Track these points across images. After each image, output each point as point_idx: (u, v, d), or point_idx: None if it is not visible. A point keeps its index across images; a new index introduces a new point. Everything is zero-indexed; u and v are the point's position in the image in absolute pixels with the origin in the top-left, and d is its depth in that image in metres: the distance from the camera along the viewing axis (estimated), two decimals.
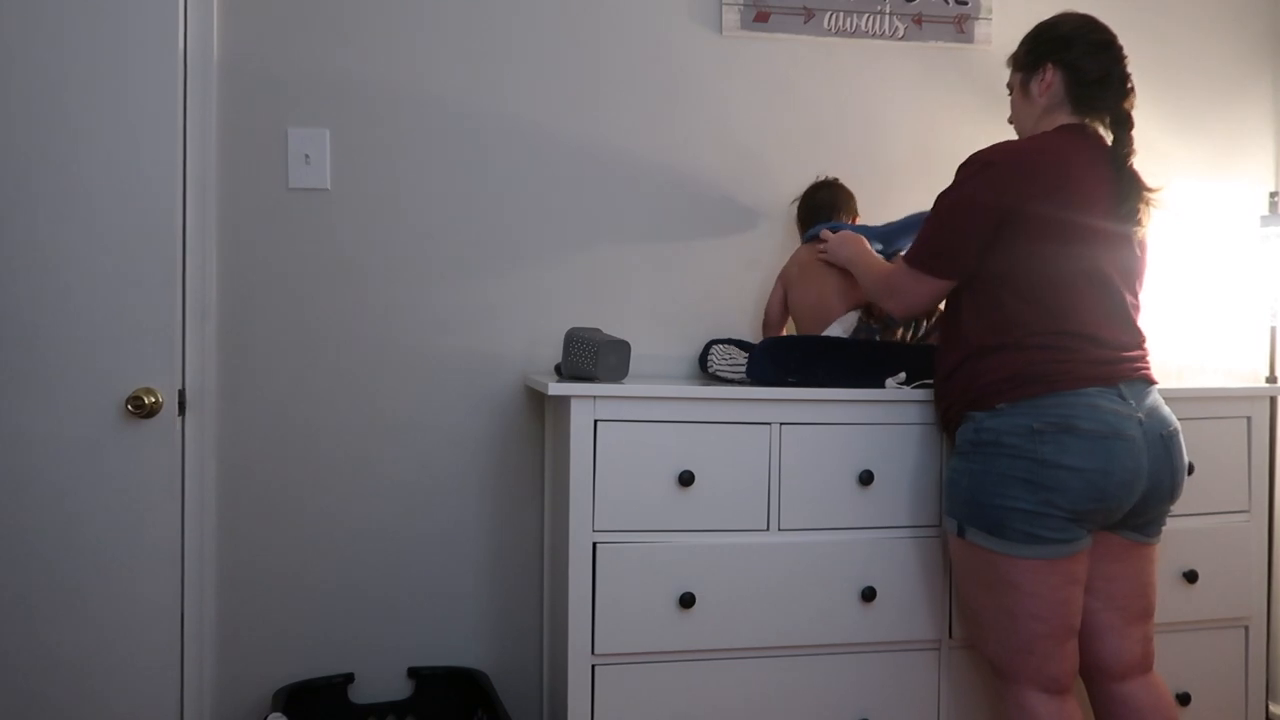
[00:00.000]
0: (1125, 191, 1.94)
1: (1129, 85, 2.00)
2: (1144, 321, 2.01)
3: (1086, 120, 2.00)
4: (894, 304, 2.10)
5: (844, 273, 2.27)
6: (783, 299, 2.42)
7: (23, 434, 2.21)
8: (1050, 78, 2.00)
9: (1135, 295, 2.00)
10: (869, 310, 2.28)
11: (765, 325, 2.47)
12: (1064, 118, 2.01)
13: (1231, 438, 2.35)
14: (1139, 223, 1.95)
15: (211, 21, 2.31)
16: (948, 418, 2.05)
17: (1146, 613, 2.02)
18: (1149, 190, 1.97)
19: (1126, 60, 2.00)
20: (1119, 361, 1.93)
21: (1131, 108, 1.99)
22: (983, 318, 1.96)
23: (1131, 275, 1.99)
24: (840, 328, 2.27)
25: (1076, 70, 1.99)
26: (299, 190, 2.38)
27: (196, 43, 2.29)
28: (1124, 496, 1.88)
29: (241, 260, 2.35)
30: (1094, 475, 1.85)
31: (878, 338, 2.28)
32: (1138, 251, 1.99)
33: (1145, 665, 2.01)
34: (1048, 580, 1.89)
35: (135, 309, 2.24)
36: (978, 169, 1.95)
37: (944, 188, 1.98)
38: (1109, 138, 2.00)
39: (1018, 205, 1.90)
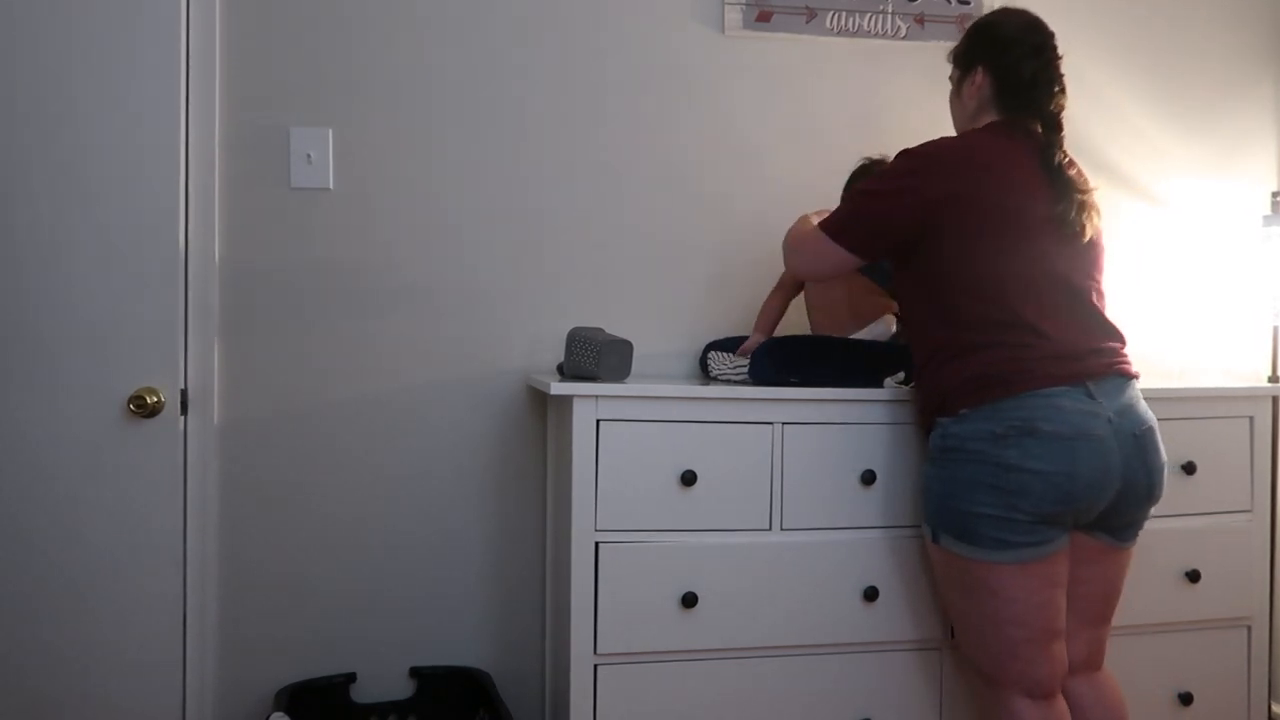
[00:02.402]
0: (1060, 191, 1.93)
1: (1058, 88, 2.00)
2: (1119, 316, 2.00)
3: (1017, 119, 2.00)
4: (795, 260, 2.13)
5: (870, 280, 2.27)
6: (788, 297, 2.40)
7: (25, 434, 2.21)
8: (980, 80, 2.03)
9: (1099, 289, 1.98)
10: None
11: (779, 287, 2.39)
12: (992, 117, 2.03)
13: (1233, 437, 2.34)
14: (1081, 223, 1.93)
15: (214, 20, 2.31)
16: (920, 423, 2.06)
17: (1104, 618, 2.01)
18: (1084, 190, 1.95)
19: (1060, 62, 2.01)
20: (1085, 357, 1.90)
21: (1061, 109, 2.00)
22: (939, 321, 1.95)
23: (1091, 270, 1.97)
24: (871, 334, 2.26)
25: (1006, 73, 2.00)
26: (301, 190, 2.38)
27: (198, 42, 2.29)
28: (1094, 497, 1.86)
29: (244, 260, 2.35)
30: (1058, 478, 1.82)
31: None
32: (1092, 248, 1.97)
33: (1092, 664, 2.00)
34: (1025, 584, 1.87)
35: (137, 308, 2.24)
36: (908, 161, 1.98)
37: None
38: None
39: (946, 198, 1.90)
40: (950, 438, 1.92)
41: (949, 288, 1.93)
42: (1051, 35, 2.01)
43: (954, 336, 1.93)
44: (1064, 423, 1.83)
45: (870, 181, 2.08)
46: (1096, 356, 1.91)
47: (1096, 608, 1.98)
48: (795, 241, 2.15)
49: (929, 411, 1.99)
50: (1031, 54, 1.99)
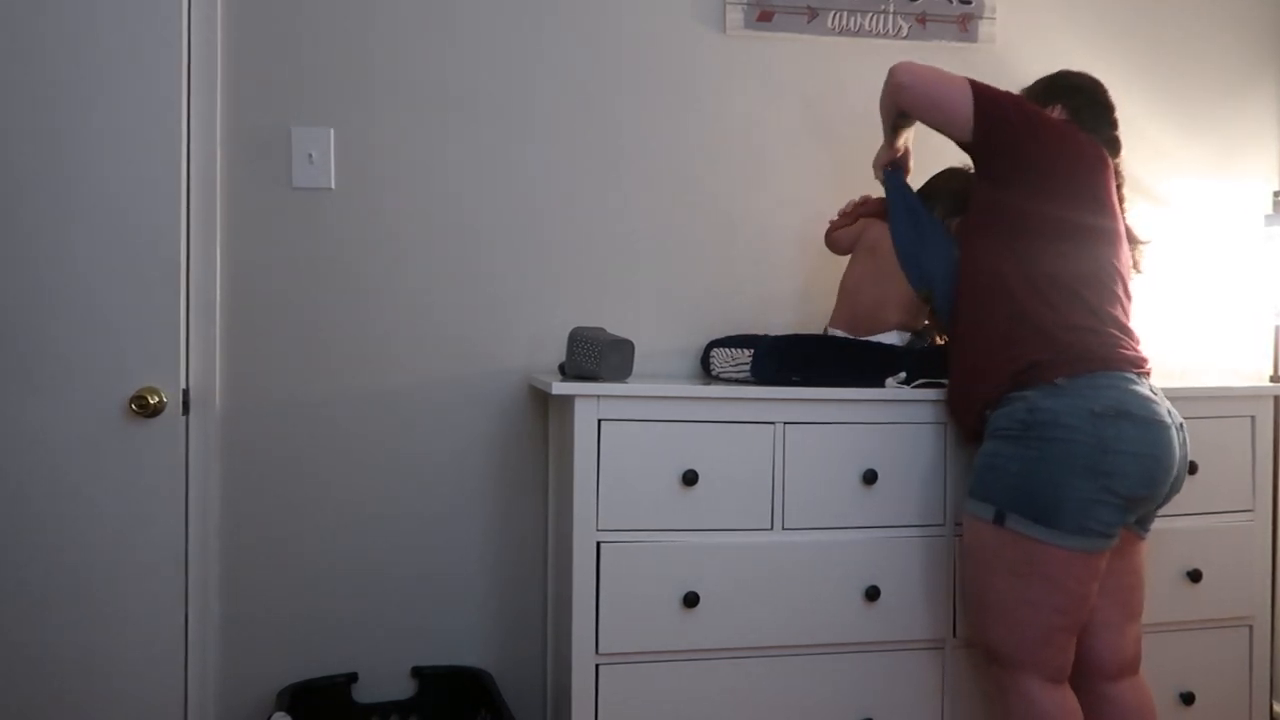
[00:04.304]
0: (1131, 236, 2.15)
1: (1119, 145, 2.17)
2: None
3: None
4: (915, 74, 2.07)
5: (902, 286, 2.25)
6: (852, 245, 2.37)
7: (26, 434, 2.21)
8: (1058, 115, 2.14)
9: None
10: (919, 333, 2.33)
11: (835, 244, 2.40)
12: None
13: (1235, 437, 2.34)
14: (1139, 258, 2.18)
15: (215, 19, 2.31)
16: (971, 401, 2.02)
17: (1138, 610, 2.05)
18: (1140, 240, 2.18)
19: (1118, 124, 2.18)
20: (1137, 348, 2.00)
21: (1120, 164, 2.16)
22: (1020, 280, 1.97)
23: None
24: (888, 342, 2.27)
25: (1077, 114, 2.14)
26: (303, 189, 2.38)
27: (200, 41, 2.29)
28: (1166, 483, 1.92)
29: (245, 259, 2.35)
30: (1148, 461, 1.87)
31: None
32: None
33: (1135, 666, 2.04)
34: (1081, 574, 1.90)
35: (138, 308, 2.24)
36: (1073, 133, 2.07)
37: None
38: None
39: (1073, 175, 2.01)
40: (1040, 412, 1.90)
41: (1044, 255, 1.98)
42: (1113, 104, 2.18)
43: (1039, 299, 1.95)
44: (1145, 408, 1.89)
45: (1033, 107, 2.11)
46: (1140, 353, 2.01)
47: (1131, 599, 2.03)
48: (926, 67, 2.09)
49: (1004, 386, 1.96)
50: (1096, 105, 2.16)
